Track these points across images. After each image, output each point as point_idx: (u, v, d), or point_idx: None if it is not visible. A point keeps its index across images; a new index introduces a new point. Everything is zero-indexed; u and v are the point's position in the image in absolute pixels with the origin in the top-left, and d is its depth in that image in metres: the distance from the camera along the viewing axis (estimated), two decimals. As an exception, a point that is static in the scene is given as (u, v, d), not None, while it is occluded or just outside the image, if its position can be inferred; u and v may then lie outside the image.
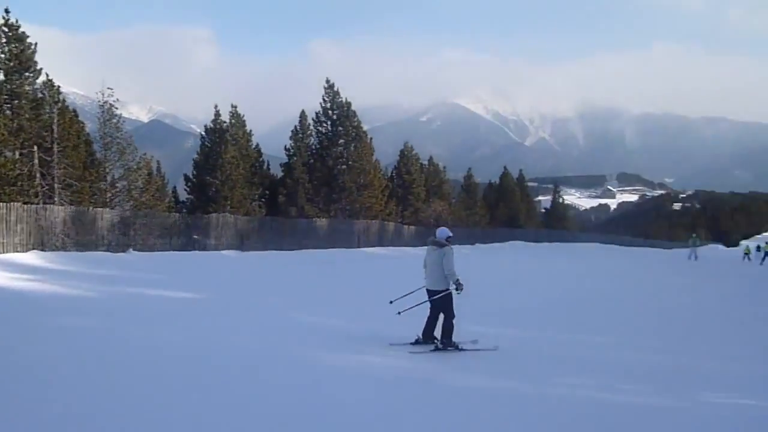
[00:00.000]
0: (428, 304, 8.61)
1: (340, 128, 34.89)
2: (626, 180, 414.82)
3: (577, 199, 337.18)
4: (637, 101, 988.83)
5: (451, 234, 8.88)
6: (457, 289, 8.33)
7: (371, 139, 36.99)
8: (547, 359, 7.88)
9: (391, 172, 45.45)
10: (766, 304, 15.78)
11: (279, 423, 4.92)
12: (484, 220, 53.79)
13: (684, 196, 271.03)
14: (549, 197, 78.50)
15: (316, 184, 33.89)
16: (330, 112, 35.10)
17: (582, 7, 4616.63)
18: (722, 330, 10.90)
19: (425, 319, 8.60)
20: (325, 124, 35.21)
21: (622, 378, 6.92)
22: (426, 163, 50.74)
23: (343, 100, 35.28)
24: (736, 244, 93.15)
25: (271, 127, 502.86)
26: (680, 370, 7.45)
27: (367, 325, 9.78)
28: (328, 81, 35.44)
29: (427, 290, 8.68)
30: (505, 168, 67.08)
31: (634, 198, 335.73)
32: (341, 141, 34.98)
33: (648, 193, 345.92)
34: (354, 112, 35.66)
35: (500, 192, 62.98)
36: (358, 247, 30.27)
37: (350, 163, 34.63)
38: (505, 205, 60.94)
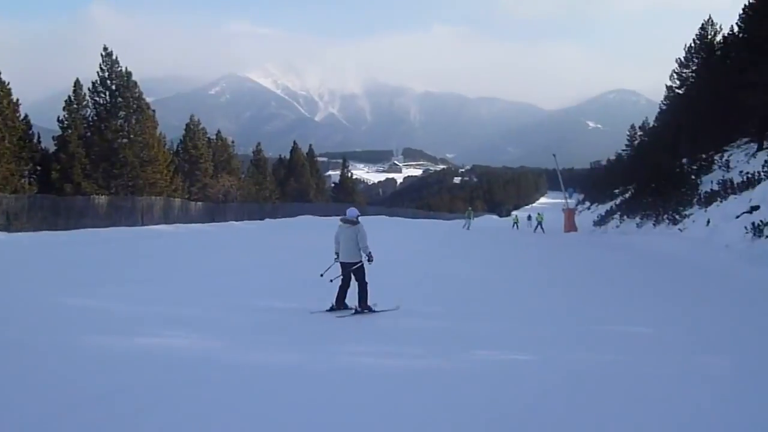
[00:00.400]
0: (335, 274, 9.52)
1: (120, 99, 32.89)
2: (411, 155, 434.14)
3: (365, 173, 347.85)
4: (420, 80, 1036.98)
5: (359, 213, 9.95)
6: (369, 260, 9.46)
7: (154, 111, 35.33)
8: (333, 331, 8.07)
9: (177, 147, 43.84)
10: (535, 268, 17.25)
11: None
12: (274, 194, 53.77)
13: (463, 170, 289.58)
14: (339, 172, 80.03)
15: (94, 159, 31.69)
16: (108, 81, 32.92)
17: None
18: (491, 293, 11.76)
19: (337, 289, 9.48)
20: (103, 95, 32.92)
21: (402, 343, 7.26)
22: (214, 137, 49.60)
23: (123, 69, 33.29)
24: (508, 214, 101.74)
25: (42, 97, 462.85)
26: (459, 333, 7.92)
27: (148, 308, 9.38)
28: (105, 48, 33.20)
29: (342, 263, 9.52)
30: (294, 143, 67.46)
31: (418, 172, 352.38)
32: (121, 113, 32.99)
33: (431, 168, 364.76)
34: (135, 82, 33.80)
35: (290, 167, 63.31)
36: (142, 224, 28.94)
37: (132, 136, 32.85)
38: (295, 179, 61.39)
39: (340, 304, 9.51)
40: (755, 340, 7.30)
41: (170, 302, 9.59)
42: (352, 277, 9.49)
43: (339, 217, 10.02)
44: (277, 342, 7.23)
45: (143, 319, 8.32)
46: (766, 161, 22.20)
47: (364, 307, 9.43)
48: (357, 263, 9.46)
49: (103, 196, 28.67)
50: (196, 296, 10.16)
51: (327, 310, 9.36)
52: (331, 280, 9.34)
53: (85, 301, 9.53)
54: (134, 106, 33.33)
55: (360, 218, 9.74)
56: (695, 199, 25.90)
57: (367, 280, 9.52)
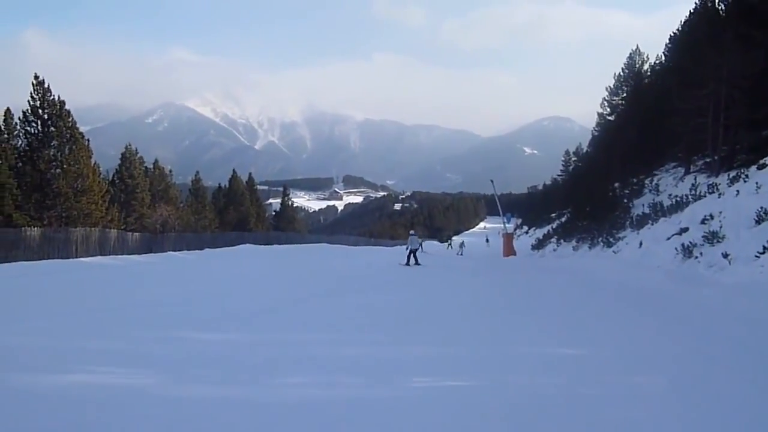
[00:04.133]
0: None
1: (53, 129, 32.09)
2: (352, 182, 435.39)
3: (306, 201, 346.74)
4: (360, 108, 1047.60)
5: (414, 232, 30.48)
6: (421, 247, 28.51)
7: (89, 140, 34.57)
8: (271, 361, 7.98)
9: (113, 177, 42.95)
10: (474, 292, 17.42)
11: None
12: (213, 224, 53.07)
13: (403, 197, 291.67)
14: (279, 200, 79.50)
15: (26, 190, 30.76)
16: (40, 110, 32.11)
17: (308, 17, 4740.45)
18: (431, 318, 11.82)
19: (405, 257, 26.96)
20: (34, 124, 32.08)
21: (346, 373, 7.22)
22: (151, 166, 48.81)
23: (56, 97, 32.53)
24: (449, 240, 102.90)
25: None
26: (400, 360, 7.92)
27: (77, 342, 9.11)
28: (37, 77, 32.40)
29: (411, 249, 26.79)
30: (234, 171, 66.80)
31: (359, 199, 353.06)
32: (54, 143, 32.17)
33: (372, 195, 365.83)
34: (68, 111, 33.01)
35: (229, 196, 62.59)
36: (77, 257, 28.15)
37: (65, 166, 32.01)
38: (235, 208, 60.70)
39: (408, 262, 25.98)
40: (689, 360, 7.51)
41: (102, 336, 9.32)
42: (413, 253, 26.57)
43: (411, 232, 30.23)
44: (216, 374, 7.11)
45: (73, 355, 8.06)
46: (693, 185, 23.07)
47: (416, 263, 26.02)
48: (417, 249, 27.05)
49: (36, 228, 27.75)
50: (128, 329, 9.91)
51: (404, 264, 26.05)
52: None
53: (8, 337, 9.21)
54: (67, 135, 32.52)
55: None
56: (628, 222, 26.67)
57: (417, 255, 26.87)
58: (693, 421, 5.10)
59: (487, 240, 64.07)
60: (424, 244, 68.24)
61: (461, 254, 51.26)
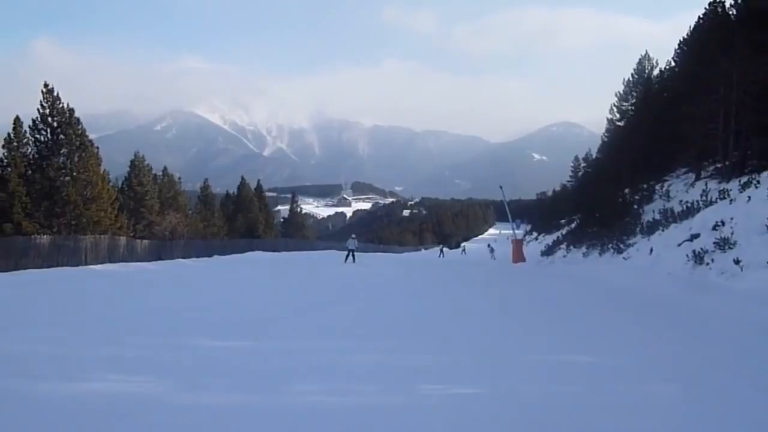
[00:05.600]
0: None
1: (62, 136, 32.20)
2: (360, 189, 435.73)
3: (315, 207, 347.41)
4: (368, 114, 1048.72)
5: (355, 236, 39.44)
6: (356, 249, 36.76)
7: (98, 148, 34.69)
8: (279, 369, 7.93)
9: (122, 184, 43.08)
10: (483, 298, 17.30)
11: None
12: (222, 231, 53.13)
13: (412, 203, 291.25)
14: (288, 206, 79.61)
15: (35, 198, 30.85)
16: (50, 118, 32.21)
17: (317, 24, 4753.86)
18: (438, 324, 11.74)
19: (344, 257, 36.26)
20: (44, 132, 32.19)
21: (358, 380, 7.15)
22: (160, 173, 48.92)
23: (65, 105, 32.66)
24: (458, 246, 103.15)
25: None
26: (408, 367, 7.86)
27: (84, 350, 9.07)
28: (46, 85, 32.54)
29: (350, 249, 36.18)
30: (242, 178, 66.92)
31: (367, 206, 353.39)
32: (63, 150, 32.28)
33: (380, 201, 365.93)
34: (78, 119, 33.13)
35: (238, 202, 62.72)
36: (86, 264, 28.18)
37: (74, 174, 32.13)
38: (244, 215, 60.78)
39: (347, 260, 34.43)
40: (701, 368, 7.41)
41: (112, 343, 9.29)
42: (351, 253, 35.75)
43: (352, 236, 38.97)
44: (227, 382, 7.05)
45: (83, 362, 8.02)
46: (703, 190, 22.91)
47: (353, 261, 34.32)
48: (355, 250, 36.41)
49: (45, 236, 27.79)
50: (138, 336, 9.89)
51: (344, 263, 33.52)
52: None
53: (18, 345, 9.17)
54: (77, 143, 32.61)
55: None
56: (638, 228, 26.46)
57: (355, 255, 35.63)
58: (707, 430, 5.02)
59: (492, 250, 66.59)
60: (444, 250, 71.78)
61: (494, 258, 52.18)
